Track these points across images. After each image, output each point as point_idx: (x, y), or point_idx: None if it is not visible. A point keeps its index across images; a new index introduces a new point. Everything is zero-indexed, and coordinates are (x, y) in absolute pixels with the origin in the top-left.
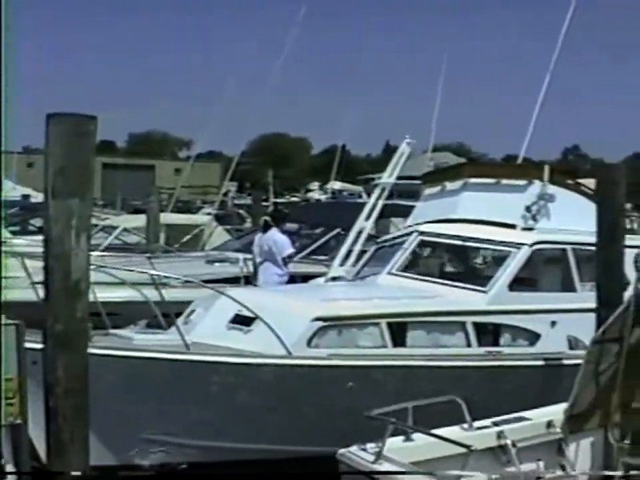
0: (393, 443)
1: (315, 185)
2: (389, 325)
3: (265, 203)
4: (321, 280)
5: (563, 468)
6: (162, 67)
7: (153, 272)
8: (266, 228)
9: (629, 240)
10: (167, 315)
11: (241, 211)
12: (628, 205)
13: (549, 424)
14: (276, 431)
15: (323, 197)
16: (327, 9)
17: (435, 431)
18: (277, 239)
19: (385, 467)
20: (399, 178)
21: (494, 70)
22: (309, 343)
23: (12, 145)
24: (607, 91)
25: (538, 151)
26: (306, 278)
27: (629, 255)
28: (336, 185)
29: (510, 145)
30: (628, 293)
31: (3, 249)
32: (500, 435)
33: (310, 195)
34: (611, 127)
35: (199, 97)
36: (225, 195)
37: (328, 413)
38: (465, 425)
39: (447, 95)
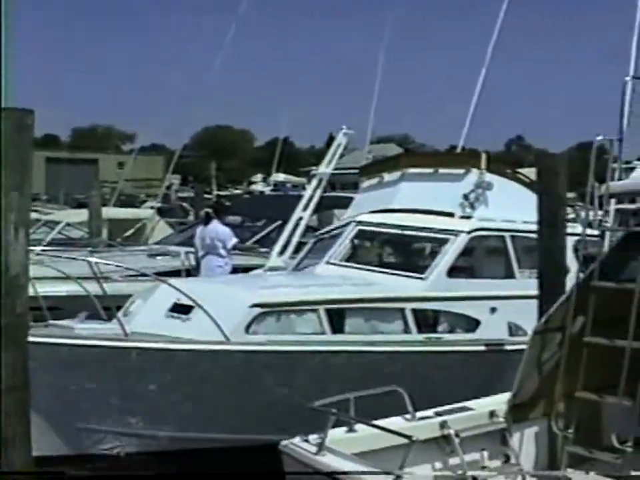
0: (336, 434)
1: (257, 177)
2: (327, 311)
3: (208, 196)
4: (259, 271)
5: (506, 457)
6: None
7: (107, 262)
8: (207, 220)
9: (569, 228)
10: (109, 308)
11: (185, 204)
12: (572, 195)
13: (492, 413)
14: (217, 418)
15: (266, 189)
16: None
17: (376, 422)
18: (219, 231)
19: (327, 458)
20: (340, 169)
21: (440, 60)
22: (247, 329)
23: None
24: (552, 83)
25: (482, 141)
26: (247, 270)
27: (569, 242)
28: (279, 176)
29: (455, 135)
30: (570, 282)
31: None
32: (443, 425)
33: (253, 187)
34: (556, 118)
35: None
36: (168, 188)
37: (267, 399)
38: (408, 416)
39: (392, 86)
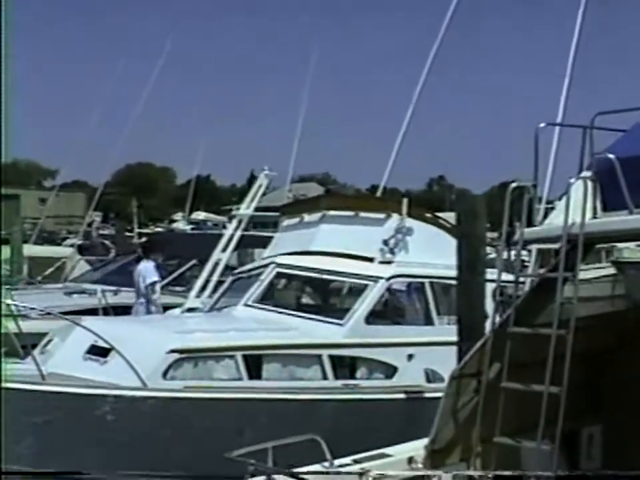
0: None
1: (178, 215)
2: (245, 357)
3: (129, 234)
4: (177, 311)
5: None
6: None
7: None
8: (139, 259)
9: (489, 274)
10: (25, 346)
11: (106, 242)
12: (495, 235)
13: (411, 460)
14: (132, 463)
15: (187, 227)
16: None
17: (295, 471)
18: (142, 269)
19: None
20: (261, 209)
21: (363, 99)
22: (164, 375)
23: None
24: (476, 120)
25: (403, 180)
26: (165, 308)
27: (489, 288)
28: (200, 215)
29: (376, 174)
30: (487, 328)
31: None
32: (362, 473)
33: (174, 225)
34: (479, 157)
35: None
36: (90, 225)
37: (185, 446)
38: (326, 463)
39: (315, 124)
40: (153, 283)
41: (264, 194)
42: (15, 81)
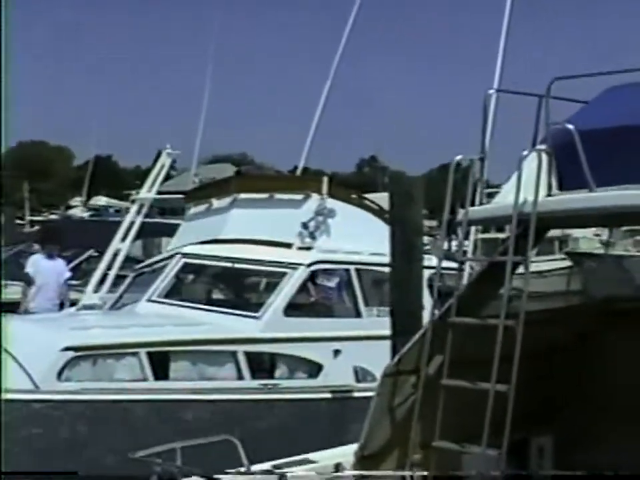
0: None
1: (76, 201)
2: (150, 355)
3: (20, 221)
4: (72, 309)
5: None
6: None
7: None
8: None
9: (425, 260)
10: None
11: None
12: (433, 223)
13: (338, 466)
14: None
15: (85, 214)
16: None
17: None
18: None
19: None
20: (165, 193)
21: (280, 72)
22: (59, 375)
23: None
24: (410, 96)
25: (330, 162)
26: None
27: (425, 276)
28: (100, 200)
29: (300, 155)
30: (426, 318)
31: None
32: (281, 479)
33: (71, 211)
34: (416, 136)
35: None
36: None
37: (81, 453)
38: (242, 468)
39: (231, 101)
40: (25, 275)
41: (170, 177)
42: None
